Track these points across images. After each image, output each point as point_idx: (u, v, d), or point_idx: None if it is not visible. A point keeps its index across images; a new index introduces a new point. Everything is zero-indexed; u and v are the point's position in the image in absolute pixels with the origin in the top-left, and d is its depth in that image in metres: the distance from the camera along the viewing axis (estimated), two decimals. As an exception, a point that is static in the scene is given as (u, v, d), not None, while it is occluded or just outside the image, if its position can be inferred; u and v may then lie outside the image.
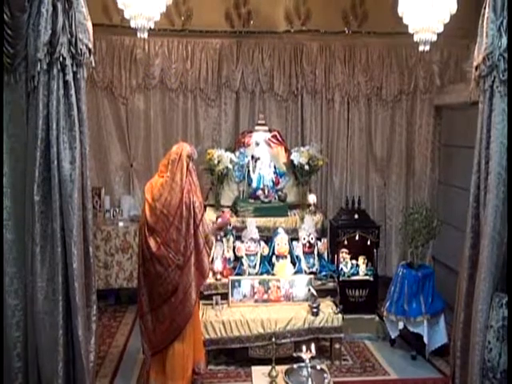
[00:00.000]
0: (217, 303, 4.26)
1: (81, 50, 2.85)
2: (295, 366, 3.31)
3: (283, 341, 4.09)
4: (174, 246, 3.43)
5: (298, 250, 4.61)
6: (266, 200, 4.90)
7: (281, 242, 4.55)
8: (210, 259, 4.44)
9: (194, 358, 3.70)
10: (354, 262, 4.88)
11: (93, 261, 3.10)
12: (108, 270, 5.30)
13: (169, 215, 3.43)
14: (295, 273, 4.49)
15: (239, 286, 4.34)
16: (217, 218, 4.40)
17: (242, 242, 4.55)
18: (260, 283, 4.37)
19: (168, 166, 3.52)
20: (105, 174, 5.74)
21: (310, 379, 3.14)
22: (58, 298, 2.86)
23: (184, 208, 3.42)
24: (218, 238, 4.52)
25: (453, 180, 5.41)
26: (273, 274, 4.46)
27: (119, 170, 5.79)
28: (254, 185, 5.02)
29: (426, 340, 4.28)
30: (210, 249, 3.67)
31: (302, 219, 4.75)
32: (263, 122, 5.26)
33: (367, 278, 4.83)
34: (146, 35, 3.38)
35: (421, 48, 3.57)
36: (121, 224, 5.41)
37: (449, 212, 5.38)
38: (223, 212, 4.54)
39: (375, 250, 4.89)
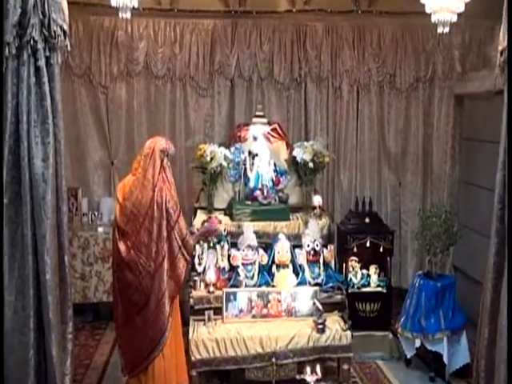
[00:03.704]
0: (209, 319, 4.25)
1: (54, 32, 2.86)
2: (298, 389, 3.32)
3: (285, 361, 4.08)
4: (145, 251, 3.45)
5: (302, 258, 4.61)
6: (265, 202, 4.90)
7: (282, 249, 4.55)
8: (202, 269, 4.48)
9: (177, 379, 3.72)
10: (364, 271, 4.90)
11: (68, 271, 3.11)
12: (86, 282, 5.30)
13: (139, 215, 3.45)
14: (298, 284, 4.49)
15: (235, 299, 4.33)
16: (202, 223, 4.33)
17: (238, 249, 4.54)
18: (258, 296, 4.37)
19: (140, 162, 3.55)
20: (82, 173, 5.74)
21: (314, 404, 3.15)
22: (28, 314, 2.86)
23: (155, 207, 3.44)
24: (211, 244, 4.52)
25: (475, 179, 5.42)
26: (273, 286, 4.46)
27: (98, 169, 5.79)
28: (252, 185, 5.02)
29: (445, 360, 4.28)
30: (190, 255, 3.66)
31: (306, 223, 4.75)
32: (262, 113, 5.26)
33: (379, 289, 4.84)
34: (128, 15, 3.40)
35: (439, 30, 3.58)
36: (100, 229, 5.41)
37: (471, 215, 5.39)
38: (210, 218, 4.45)
39: (389, 258, 4.90)
